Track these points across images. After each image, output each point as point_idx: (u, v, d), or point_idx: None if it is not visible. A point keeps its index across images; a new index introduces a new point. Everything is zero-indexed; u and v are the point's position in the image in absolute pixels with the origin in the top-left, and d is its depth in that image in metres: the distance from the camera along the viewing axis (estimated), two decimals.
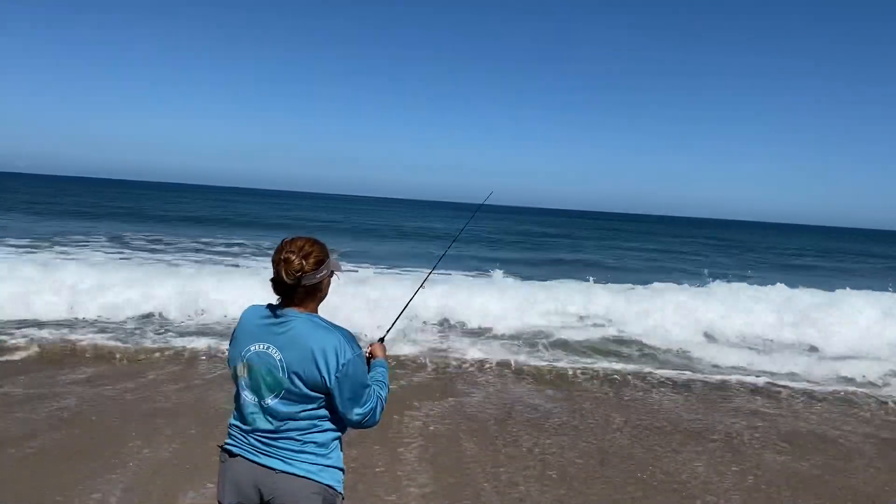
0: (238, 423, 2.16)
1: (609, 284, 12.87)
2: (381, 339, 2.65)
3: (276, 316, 2.09)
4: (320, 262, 2.09)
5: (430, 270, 3.78)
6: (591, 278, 12.86)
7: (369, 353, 2.52)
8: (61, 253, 16.15)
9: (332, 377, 2.00)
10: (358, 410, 2.09)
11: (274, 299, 2.15)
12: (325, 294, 2.20)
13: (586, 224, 77.06)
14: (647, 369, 8.05)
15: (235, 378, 2.15)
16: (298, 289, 2.06)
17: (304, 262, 2.04)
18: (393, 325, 3.13)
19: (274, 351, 2.04)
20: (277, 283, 2.07)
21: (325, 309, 2.21)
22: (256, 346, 2.08)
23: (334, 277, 2.24)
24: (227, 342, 2.28)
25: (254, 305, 2.20)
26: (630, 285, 13.08)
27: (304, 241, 2.10)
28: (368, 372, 2.37)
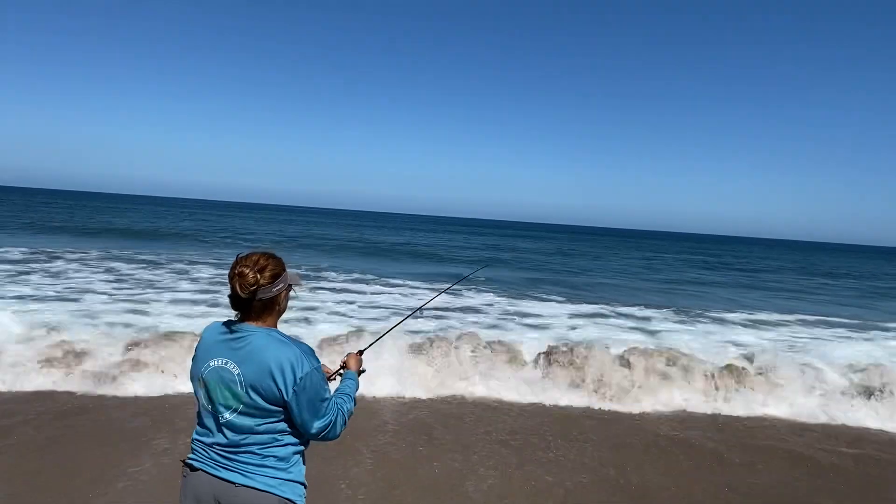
0: (200, 438, 2.17)
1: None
2: (361, 351, 2.65)
3: (234, 331, 2.10)
4: (276, 276, 2.11)
5: (423, 304, 4.10)
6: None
7: (343, 363, 2.53)
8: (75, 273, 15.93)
9: (290, 390, 2.02)
10: (317, 424, 2.10)
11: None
12: (284, 308, 2.21)
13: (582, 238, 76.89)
14: None
15: (197, 394, 2.17)
16: (255, 303, 2.08)
17: (258, 276, 2.05)
18: (377, 340, 3.18)
19: (232, 366, 2.06)
20: (234, 299, 2.09)
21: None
22: (215, 362, 2.09)
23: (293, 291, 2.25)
24: None
25: (214, 322, 2.22)
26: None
27: (258, 256, 2.12)
28: (339, 383, 2.38)
